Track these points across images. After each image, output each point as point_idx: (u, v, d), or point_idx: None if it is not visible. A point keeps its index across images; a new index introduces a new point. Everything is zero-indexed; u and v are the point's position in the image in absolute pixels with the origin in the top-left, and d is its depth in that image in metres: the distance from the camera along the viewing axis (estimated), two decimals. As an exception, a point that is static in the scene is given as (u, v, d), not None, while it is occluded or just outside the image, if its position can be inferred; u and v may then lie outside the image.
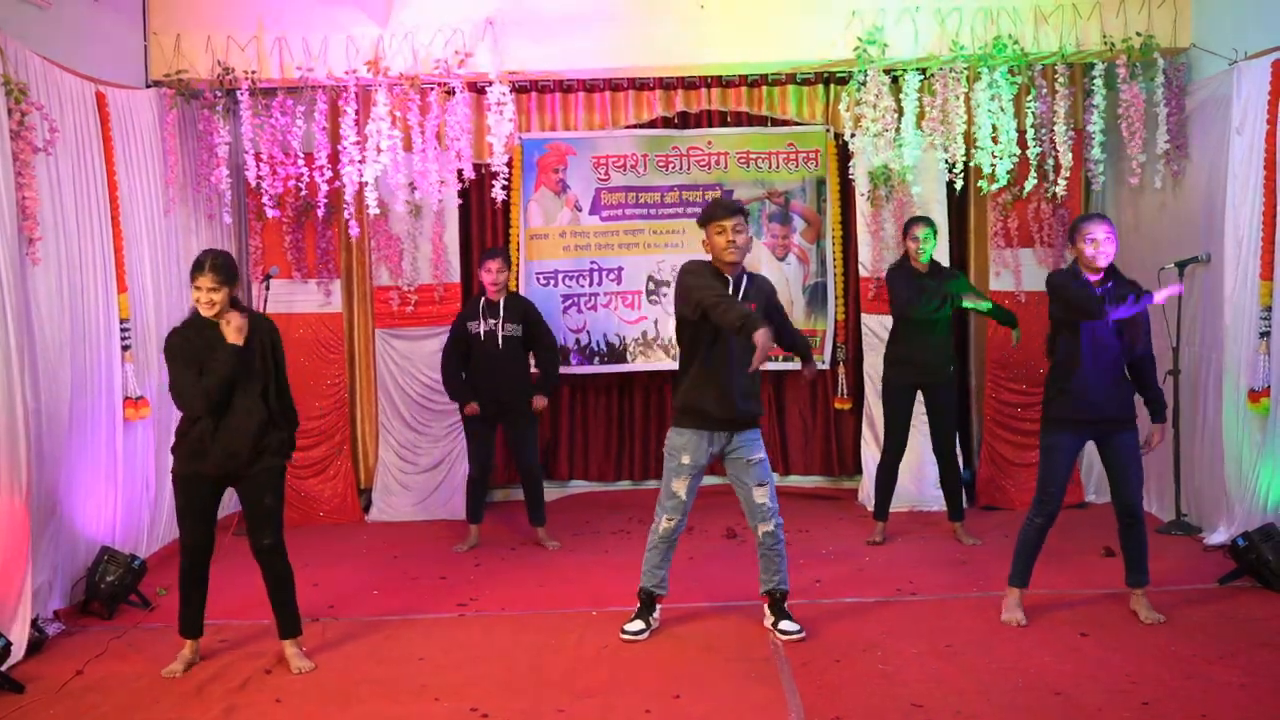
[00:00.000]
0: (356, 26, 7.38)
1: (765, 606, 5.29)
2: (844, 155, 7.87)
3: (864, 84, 7.39)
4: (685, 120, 8.17)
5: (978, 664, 4.71)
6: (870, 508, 7.53)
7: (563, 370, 8.16)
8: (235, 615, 5.66)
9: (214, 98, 7.42)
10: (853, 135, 7.59)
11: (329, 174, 7.52)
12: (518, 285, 8.13)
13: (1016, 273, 7.74)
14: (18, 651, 4.97)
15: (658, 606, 5.31)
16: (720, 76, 7.88)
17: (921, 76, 7.42)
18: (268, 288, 7.61)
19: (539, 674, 4.76)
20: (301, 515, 7.84)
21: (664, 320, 8.08)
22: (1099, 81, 7.31)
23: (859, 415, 8.10)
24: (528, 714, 4.32)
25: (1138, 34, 7.17)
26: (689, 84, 7.97)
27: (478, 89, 7.63)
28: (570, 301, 8.12)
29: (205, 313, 4.78)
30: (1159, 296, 5.27)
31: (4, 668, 4.76)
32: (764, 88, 7.97)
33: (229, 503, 7.77)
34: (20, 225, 5.40)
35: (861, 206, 7.80)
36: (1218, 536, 6.39)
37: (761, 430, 5.29)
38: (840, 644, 5.01)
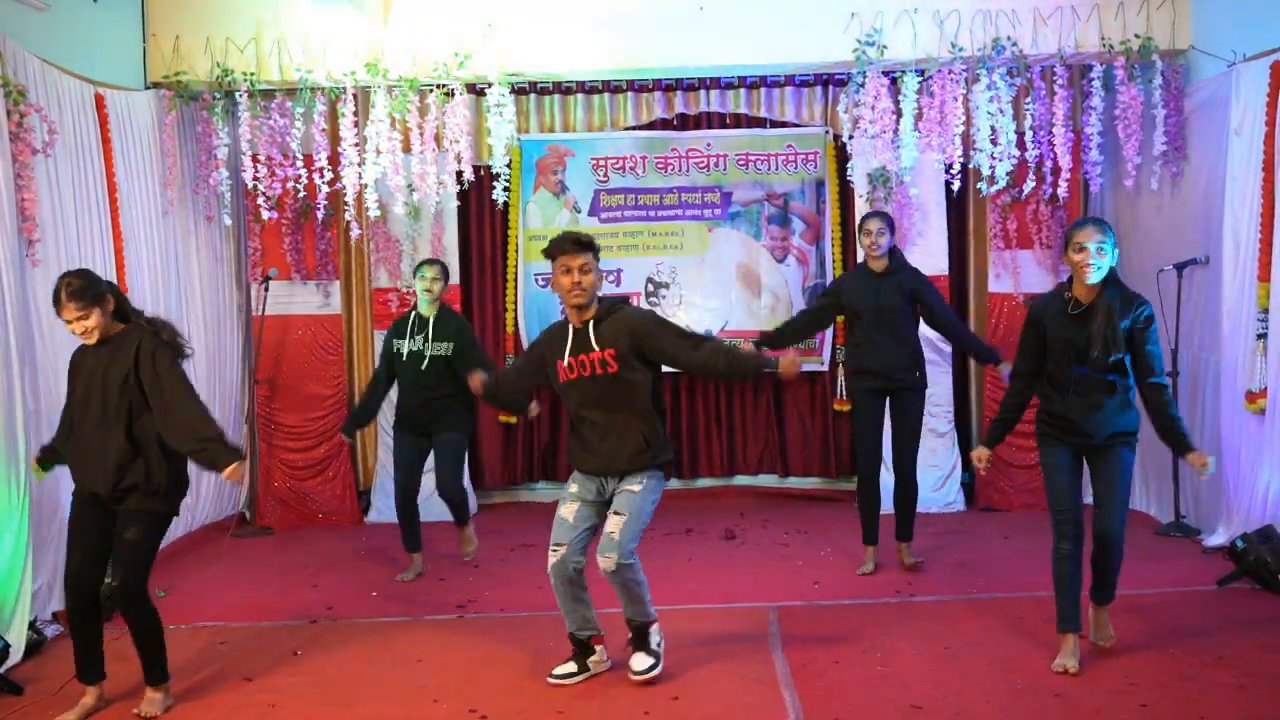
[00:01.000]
0: (355, 28, 7.38)
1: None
2: (843, 157, 7.88)
3: (863, 86, 7.40)
4: (684, 122, 8.19)
5: (977, 665, 4.71)
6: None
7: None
8: (233, 617, 5.66)
9: (213, 99, 7.43)
10: (851, 137, 7.60)
11: (328, 176, 7.52)
12: (516, 286, 8.14)
13: (1015, 275, 7.75)
14: (16, 653, 4.97)
15: (596, 649, 4.72)
16: (719, 78, 7.89)
17: (920, 78, 7.42)
18: (266, 289, 7.63)
19: (538, 675, 4.75)
20: (300, 516, 7.85)
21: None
22: (1097, 83, 7.32)
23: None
24: (526, 715, 4.32)
25: (1136, 36, 7.18)
26: (688, 86, 7.99)
27: (477, 91, 7.64)
28: (569, 303, 8.11)
29: (89, 341, 4.31)
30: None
31: (3, 670, 4.76)
32: (763, 89, 7.98)
33: (226, 504, 7.81)
34: (20, 227, 5.40)
35: (860, 208, 7.80)
36: (1216, 538, 6.39)
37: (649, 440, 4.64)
38: (839, 645, 5.00)
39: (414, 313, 6.33)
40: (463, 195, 7.89)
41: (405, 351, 6.26)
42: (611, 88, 8.02)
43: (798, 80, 7.91)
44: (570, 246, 4.48)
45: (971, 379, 8.01)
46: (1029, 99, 7.39)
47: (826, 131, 8.01)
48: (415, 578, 6.41)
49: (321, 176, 7.53)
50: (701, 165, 8.09)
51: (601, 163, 8.10)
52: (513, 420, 8.11)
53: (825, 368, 8.13)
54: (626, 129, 8.10)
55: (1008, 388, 4.99)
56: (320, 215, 7.74)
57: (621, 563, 4.46)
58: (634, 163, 8.09)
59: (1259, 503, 6.04)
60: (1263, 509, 5.98)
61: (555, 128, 8.11)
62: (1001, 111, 7.29)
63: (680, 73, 7.78)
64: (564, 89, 8.02)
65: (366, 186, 7.48)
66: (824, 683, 4.57)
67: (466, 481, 6.85)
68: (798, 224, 8.11)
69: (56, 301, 4.25)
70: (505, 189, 7.59)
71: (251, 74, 7.39)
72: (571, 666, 4.66)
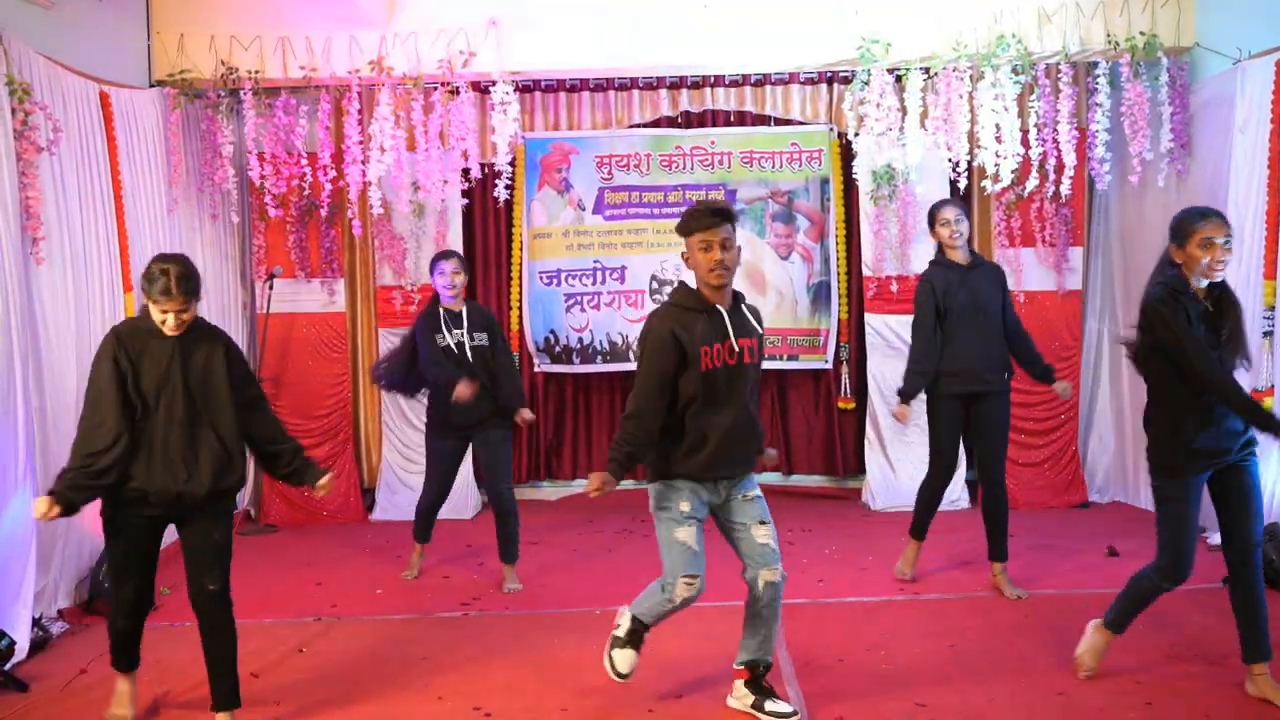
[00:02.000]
0: (360, 26, 7.38)
1: (739, 683, 4.34)
2: (847, 154, 7.87)
3: (867, 83, 7.40)
4: (689, 120, 8.17)
5: (981, 664, 4.70)
6: (875, 507, 7.57)
7: (564, 369, 8.18)
8: (238, 615, 5.65)
9: (217, 97, 7.44)
10: (856, 134, 7.59)
11: (332, 173, 7.54)
12: (521, 285, 8.14)
13: (1018, 272, 7.73)
14: (22, 651, 4.98)
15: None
16: (724, 76, 7.88)
17: (925, 76, 7.42)
18: (271, 287, 7.64)
19: (542, 673, 4.76)
20: (304, 514, 7.85)
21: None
22: (1103, 80, 7.31)
23: (862, 415, 8.09)
24: (531, 713, 4.33)
25: (1141, 33, 7.16)
26: (692, 83, 7.97)
27: (481, 88, 7.64)
28: (573, 301, 8.12)
29: (172, 333, 4.02)
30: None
31: (8, 667, 4.77)
32: (767, 87, 7.97)
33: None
34: (24, 225, 5.41)
35: (865, 206, 7.79)
36: (1219, 537, 6.37)
37: (764, 436, 4.47)
38: (843, 644, 5.01)
39: (440, 308, 6.08)
40: (467, 193, 7.89)
41: (451, 345, 6.00)
42: (616, 85, 8.01)
43: (802, 78, 7.89)
44: (709, 219, 4.07)
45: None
46: (1034, 96, 7.38)
47: (831, 129, 7.99)
48: (418, 575, 6.39)
49: (326, 174, 7.55)
50: (706, 163, 8.08)
51: (606, 161, 8.10)
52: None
53: (829, 366, 8.12)
54: (631, 127, 8.09)
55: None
56: (325, 213, 7.75)
57: (784, 573, 4.28)
58: (638, 161, 8.09)
59: (1265, 502, 6.01)
60: (1269, 508, 5.97)
61: (560, 126, 8.11)
62: (1006, 109, 7.28)
63: (684, 71, 7.78)
64: (568, 87, 8.02)
65: (371, 184, 7.48)
66: (828, 681, 4.57)
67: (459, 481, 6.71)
68: (802, 222, 8.10)
69: (164, 292, 3.90)
70: (509, 187, 7.59)
71: (256, 72, 7.40)
72: (788, 706, 4.23)
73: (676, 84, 7.98)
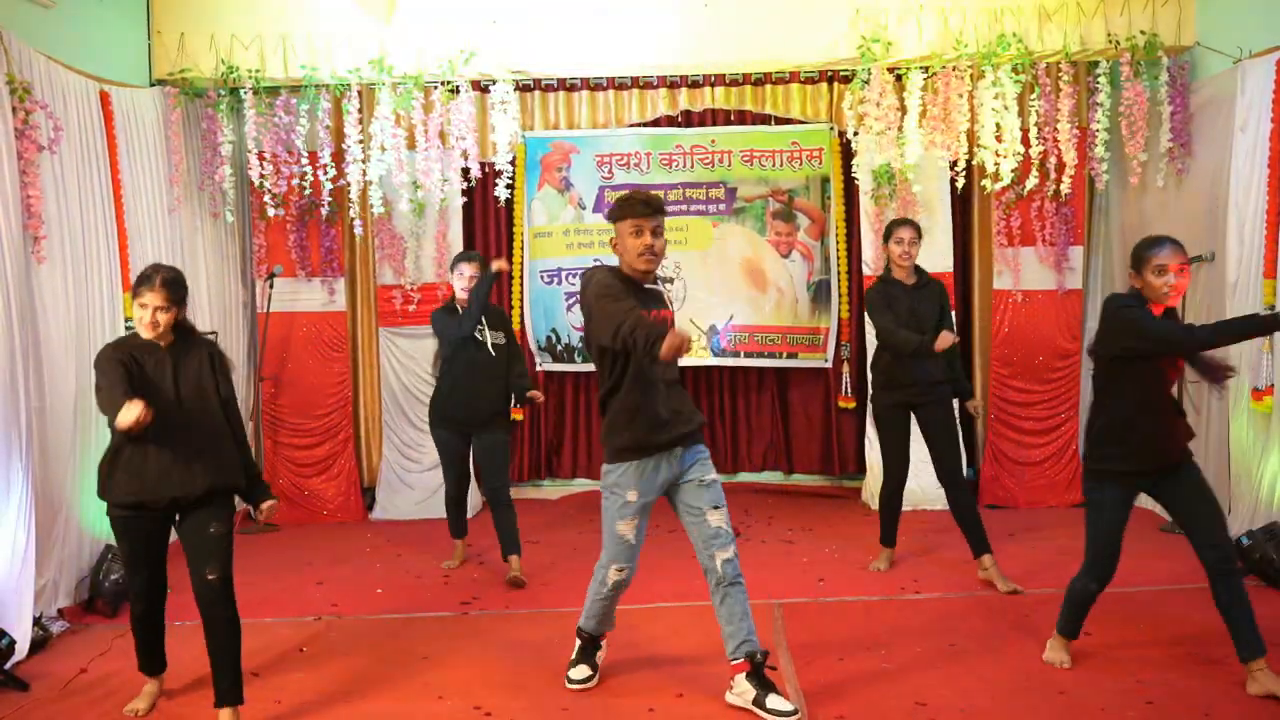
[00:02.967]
0: (360, 25, 7.39)
1: (739, 677, 4.30)
2: (847, 153, 7.87)
3: (867, 82, 7.40)
4: (689, 119, 8.17)
5: (981, 663, 4.70)
6: (875, 507, 7.55)
7: (565, 368, 8.20)
8: (241, 614, 5.64)
9: (218, 96, 7.44)
10: (856, 133, 7.60)
11: (332, 172, 7.55)
12: (522, 284, 8.14)
13: (1016, 272, 7.73)
14: (22, 650, 4.97)
15: (602, 645, 4.68)
16: (724, 75, 7.87)
17: (925, 75, 7.41)
18: (271, 286, 7.64)
19: (542, 672, 4.75)
20: (305, 514, 7.86)
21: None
22: (1103, 79, 7.31)
23: (862, 414, 8.09)
24: (531, 711, 4.33)
25: (1142, 32, 7.16)
26: (693, 82, 7.97)
27: (481, 87, 7.64)
28: (574, 299, 8.12)
29: (148, 334, 4.16)
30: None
31: (8, 666, 4.77)
32: (767, 86, 7.96)
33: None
34: (25, 224, 5.41)
35: (865, 204, 7.79)
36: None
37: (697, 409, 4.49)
38: (844, 642, 5.01)
39: (458, 306, 6.20)
40: (467, 192, 7.90)
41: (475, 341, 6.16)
42: (616, 84, 8.00)
43: (802, 77, 7.89)
44: (641, 208, 4.33)
45: (977, 375, 7.98)
46: (1034, 95, 7.38)
47: (831, 128, 7.99)
48: (460, 564, 6.52)
49: (326, 173, 7.56)
50: (706, 161, 8.08)
51: (606, 159, 8.10)
52: (519, 416, 8.11)
53: (830, 364, 8.12)
54: (631, 126, 8.09)
55: None
56: (325, 212, 7.76)
57: (736, 550, 4.36)
58: (638, 159, 8.09)
59: (1264, 500, 6.03)
60: (1268, 506, 5.98)
61: (560, 124, 8.10)
62: (1006, 108, 7.28)
63: (685, 69, 7.77)
64: (568, 86, 8.01)
65: (371, 183, 7.50)
66: (828, 679, 4.57)
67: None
68: (802, 220, 8.10)
69: (145, 281, 4.09)
70: (509, 186, 7.60)
71: (256, 71, 7.40)
72: (586, 670, 4.58)
73: (676, 83, 7.98)
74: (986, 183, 7.45)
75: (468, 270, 6.14)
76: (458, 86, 7.51)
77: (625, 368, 4.26)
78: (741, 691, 4.26)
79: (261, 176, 7.55)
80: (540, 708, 4.37)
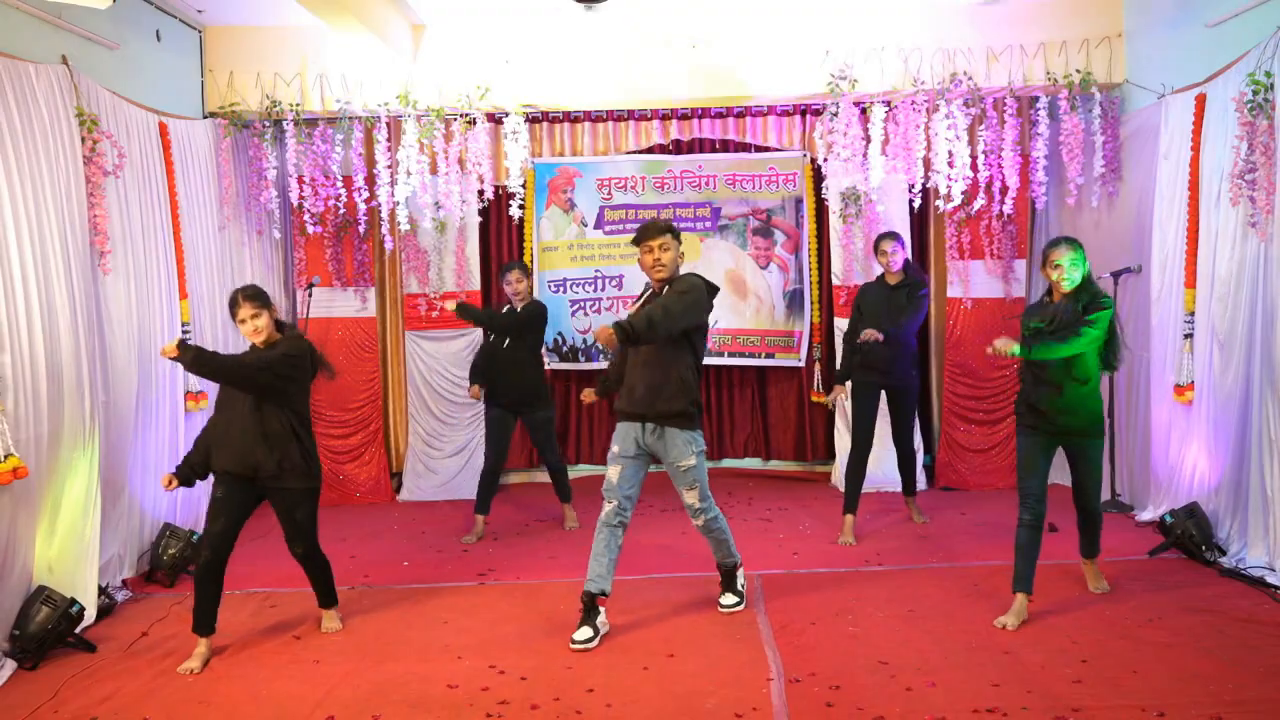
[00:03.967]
0: (388, 64, 7.38)
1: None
2: (818, 177, 7.87)
3: (836, 115, 7.41)
4: (679, 146, 8.16)
5: (936, 627, 4.71)
6: (843, 489, 7.58)
7: (570, 367, 8.19)
8: (281, 584, 5.66)
9: (263, 127, 7.43)
10: (826, 159, 7.61)
11: (365, 194, 7.55)
12: (532, 291, 8.12)
13: (967, 281, 7.75)
14: (90, 616, 4.98)
15: (601, 610, 4.73)
16: (709, 108, 7.88)
17: (886, 108, 7.42)
18: (310, 295, 7.63)
19: (550, 635, 4.76)
20: (340, 495, 7.85)
21: (660, 323, 8.07)
22: (1043, 113, 7.31)
23: (831, 407, 8.09)
24: (539, 670, 4.33)
25: (1077, 71, 7.18)
26: (682, 115, 7.97)
27: (496, 119, 7.64)
28: (577, 306, 8.12)
29: (256, 340, 4.57)
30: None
31: (78, 630, 4.77)
32: (748, 118, 7.97)
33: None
34: (93, 240, 5.41)
35: (834, 223, 7.79)
36: (1147, 514, 6.41)
37: (679, 394, 4.75)
38: (815, 609, 5.02)
39: (508, 306, 6.67)
40: (483, 212, 7.89)
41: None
42: (615, 116, 8.00)
43: (779, 110, 7.89)
44: (637, 237, 4.86)
45: (933, 371, 7.99)
46: (982, 126, 7.39)
47: (804, 155, 7.99)
48: (476, 540, 6.53)
49: (359, 195, 7.57)
50: (694, 184, 8.08)
51: (606, 182, 8.09)
52: None
53: (803, 364, 8.12)
54: (628, 153, 8.08)
55: None
56: (358, 229, 7.75)
57: (709, 514, 4.94)
58: (634, 182, 8.08)
59: (1185, 483, 6.05)
60: (1189, 488, 6.00)
61: (565, 152, 8.10)
62: (958, 138, 7.29)
63: (675, 104, 7.78)
64: (573, 118, 8.01)
65: (399, 204, 7.49)
66: (802, 641, 4.57)
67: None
68: (779, 236, 8.10)
69: (234, 304, 4.52)
70: (521, 206, 7.60)
71: (297, 105, 7.40)
72: (589, 631, 4.60)
73: (668, 115, 7.98)
74: (940, 203, 7.46)
75: (511, 277, 6.59)
76: (475, 118, 7.51)
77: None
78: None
79: (301, 198, 7.55)
80: (547, 667, 4.37)
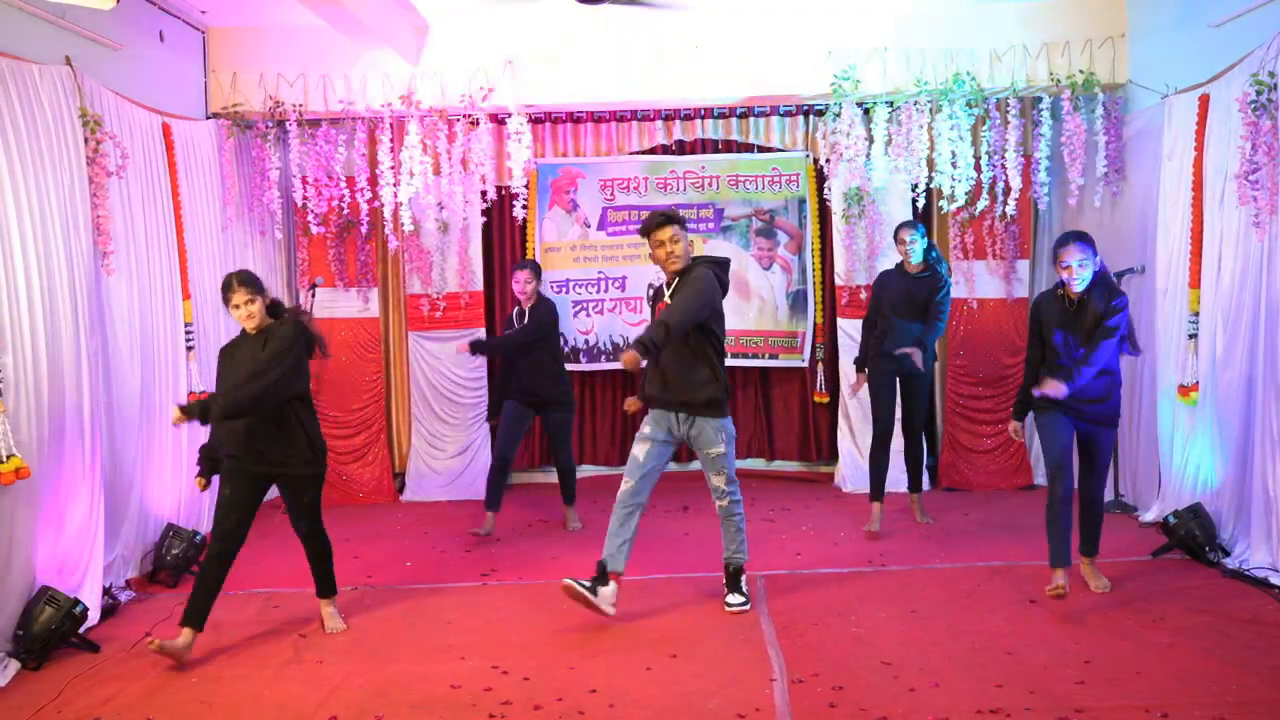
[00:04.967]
0: (391, 65, 7.39)
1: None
2: (821, 178, 7.87)
3: (839, 115, 7.41)
4: (682, 147, 8.17)
5: (939, 627, 4.71)
6: (846, 490, 7.58)
7: (573, 367, 8.18)
8: (285, 584, 5.66)
9: (266, 128, 7.44)
10: (829, 160, 7.61)
11: (368, 195, 7.55)
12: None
13: (970, 282, 7.74)
14: (93, 616, 4.98)
15: (611, 583, 4.84)
16: (712, 109, 7.88)
17: (889, 109, 7.41)
18: (313, 295, 7.64)
19: (552, 636, 4.76)
20: (343, 496, 7.86)
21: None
22: (1046, 113, 7.31)
23: (834, 408, 8.09)
24: (542, 670, 4.33)
25: (1080, 71, 7.17)
26: (685, 115, 7.98)
27: (498, 120, 7.64)
28: (580, 307, 8.12)
29: (249, 325, 4.60)
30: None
31: (82, 630, 4.77)
32: (751, 118, 7.97)
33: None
34: (96, 240, 5.41)
35: (837, 223, 7.79)
36: (1151, 515, 6.40)
37: (703, 382, 4.93)
38: (818, 609, 5.01)
39: (518, 305, 6.72)
40: (486, 212, 7.89)
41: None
42: (617, 117, 8.00)
43: (782, 110, 7.89)
44: (643, 228, 5.03)
45: (937, 373, 7.99)
46: (985, 127, 7.38)
47: (807, 155, 7.99)
48: (486, 534, 6.57)
49: (362, 196, 7.57)
50: (697, 185, 8.08)
51: (609, 183, 8.09)
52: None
53: (806, 364, 8.12)
54: (631, 154, 8.09)
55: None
56: (361, 230, 7.76)
57: (733, 499, 5.07)
58: (637, 183, 8.09)
59: (1189, 483, 6.03)
60: (1192, 489, 5.98)
61: (568, 152, 8.10)
62: (961, 138, 7.29)
63: (678, 104, 7.78)
64: (575, 118, 8.01)
65: (401, 204, 7.49)
66: (805, 642, 4.57)
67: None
68: (782, 236, 8.10)
69: (227, 288, 4.55)
70: (524, 207, 7.61)
71: (300, 105, 7.41)
72: (588, 583, 4.81)
73: (671, 115, 7.99)
74: (944, 204, 7.45)
75: (521, 276, 6.61)
76: (478, 119, 7.51)
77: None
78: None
79: (305, 198, 7.55)
80: (550, 667, 4.37)
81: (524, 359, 6.56)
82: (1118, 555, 5.70)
